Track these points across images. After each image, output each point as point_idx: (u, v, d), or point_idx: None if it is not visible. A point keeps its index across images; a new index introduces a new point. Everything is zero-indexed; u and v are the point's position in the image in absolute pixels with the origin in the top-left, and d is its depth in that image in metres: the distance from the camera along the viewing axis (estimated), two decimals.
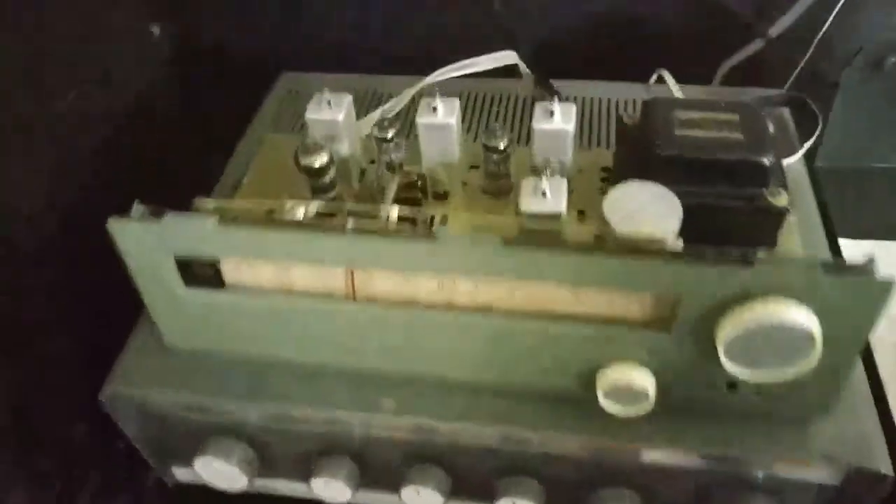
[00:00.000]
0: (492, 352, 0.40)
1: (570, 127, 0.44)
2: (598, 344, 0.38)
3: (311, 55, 0.67)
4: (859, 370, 0.42)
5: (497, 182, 0.48)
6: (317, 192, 0.45)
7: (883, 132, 0.62)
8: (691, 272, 0.34)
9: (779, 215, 0.42)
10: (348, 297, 0.39)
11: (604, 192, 0.48)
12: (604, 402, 0.39)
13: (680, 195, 0.41)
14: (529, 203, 0.40)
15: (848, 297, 0.33)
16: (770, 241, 0.44)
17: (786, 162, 0.54)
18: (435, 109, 0.45)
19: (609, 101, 0.62)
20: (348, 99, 0.47)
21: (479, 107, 0.62)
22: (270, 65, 0.67)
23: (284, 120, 0.61)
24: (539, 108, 0.45)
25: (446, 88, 0.61)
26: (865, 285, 0.33)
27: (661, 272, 0.34)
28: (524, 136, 0.59)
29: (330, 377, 0.43)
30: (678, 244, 0.39)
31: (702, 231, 0.42)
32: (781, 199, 0.42)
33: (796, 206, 0.50)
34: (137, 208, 0.38)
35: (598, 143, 0.57)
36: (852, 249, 0.58)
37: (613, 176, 0.46)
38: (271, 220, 0.37)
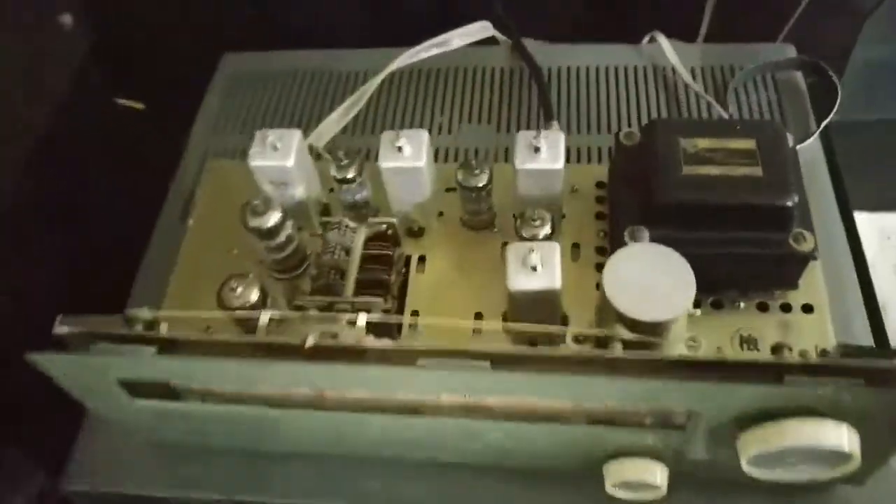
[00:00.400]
0: (482, 447, 0.35)
1: (559, 165, 0.38)
2: (604, 441, 0.34)
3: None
4: None
5: (478, 216, 0.42)
6: (272, 251, 0.39)
7: None
8: (711, 391, 0.29)
9: (803, 261, 0.37)
10: (317, 402, 0.34)
11: (600, 216, 0.42)
12: (611, 490, 0.35)
13: (690, 243, 0.36)
14: (518, 280, 0.34)
15: (891, 408, 0.29)
16: (791, 285, 0.39)
17: (800, 147, 0.48)
18: (400, 149, 0.38)
19: (598, 68, 0.55)
20: (297, 136, 0.40)
21: (451, 84, 0.54)
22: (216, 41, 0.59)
23: (230, 115, 0.54)
24: (522, 141, 0.38)
25: (415, 68, 0.54)
26: None
27: (677, 392, 0.29)
28: (504, 117, 0.52)
29: (306, 462, 0.39)
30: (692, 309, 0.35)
31: (715, 276, 0.37)
32: (807, 245, 0.36)
33: (812, 188, 0.45)
34: (61, 326, 0.32)
35: (588, 129, 0.51)
36: (868, 225, 0.54)
37: (611, 216, 0.40)
38: (221, 342, 0.31)
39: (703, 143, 0.38)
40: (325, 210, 0.43)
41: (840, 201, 0.50)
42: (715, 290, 0.39)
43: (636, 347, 0.32)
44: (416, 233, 0.42)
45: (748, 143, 0.37)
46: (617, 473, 0.34)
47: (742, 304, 0.39)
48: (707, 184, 0.36)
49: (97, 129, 0.59)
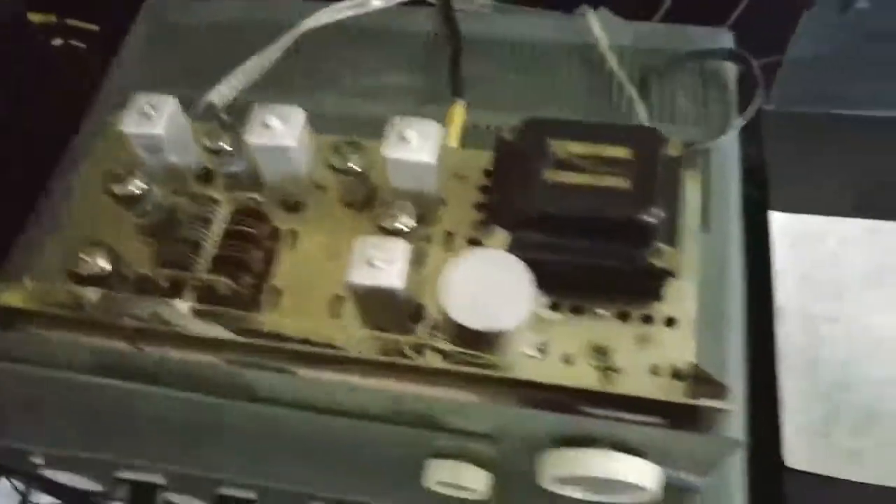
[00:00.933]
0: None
1: (430, 158, 0.37)
2: (424, 441, 0.34)
3: None
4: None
5: (356, 196, 0.41)
6: (137, 216, 0.39)
7: (843, 78, 0.54)
8: (515, 415, 0.29)
9: (661, 276, 0.36)
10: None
11: (479, 208, 0.42)
12: (430, 485, 0.35)
13: (549, 249, 0.36)
14: (357, 275, 0.34)
15: (692, 452, 0.29)
16: (652, 297, 0.38)
17: (711, 144, 0.47)
18: (269, 127, 0.38)
19: (526, 41, 0.53)
20: (171, 103, 0.39)
21: (372, 45, 0.53)
22: None
23: (148, 67, 0.53)
24: (393, 129, 0.37)
25: (340, 24, 0.53)
26: (709, 444, 0.28)
27: (476, 410, 0.29)
28: (421, 86, 0.50)
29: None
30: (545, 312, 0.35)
31: (574, 283, 0.37)
32: (666, 261, 0.36)
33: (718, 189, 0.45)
34: None
35: (504, 110, 0.49)
36: (784, 227, 0.52)
37: (486, 214, 0.39)
38: (48, 314, 0.32)
39: (576, 147, 0.37)
40: (207, 175, 0.43)
41: (753, 202, 0.50)
42: (575, 295, 0.38)
43: (462, 358, 0.32)
44: (292, 206, 0.41)
45: (623, 152, 0.36)
46: (434, 473, 0.34)
47: (603, 312, 0.38)
48: (565, 193, 0.35)
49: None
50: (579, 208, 0.35)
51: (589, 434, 0.29)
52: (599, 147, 0.36)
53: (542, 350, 0.37)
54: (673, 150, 0.38)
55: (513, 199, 0.36)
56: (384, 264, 0.34)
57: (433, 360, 0.31)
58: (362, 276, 0.34)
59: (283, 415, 0.34)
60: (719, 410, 0.28)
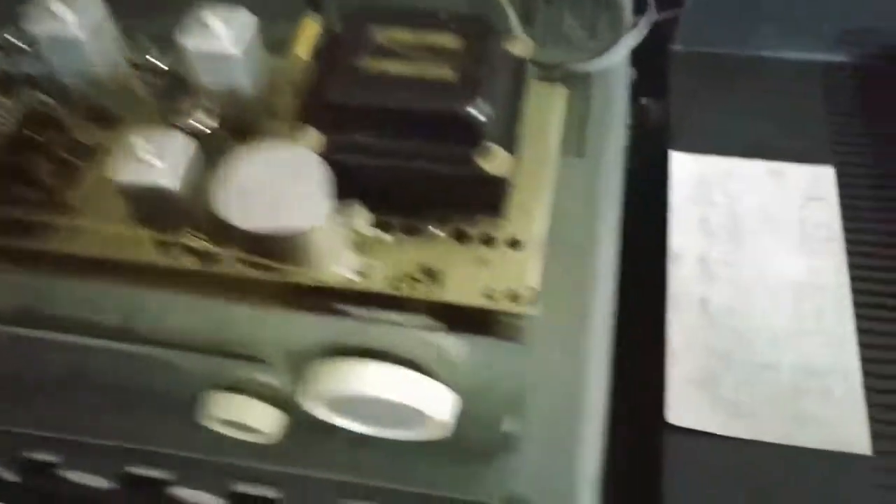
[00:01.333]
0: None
1: (235, 48, 0.32)
2: (196, 365, 0.29)
3: None
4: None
5: (172, 105, 0.36)
6: None
7: (749, 18, 0.49)
8: (271, 322, 0.24)
9: (496, 183, 0.31)
10: None
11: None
12: (216, 426, 0.30)
13: (367, 152, 0.31)
14: (123, 171, 0.29)
15: (480, 362, 0.24)
16: (493, 212, 0.33)
17: (591, 65, 0.42)
18: (52, 14, 0.33)
19: None
20: None
21: None
22: None
23: None
24: (194, 16, 0.32)
25: None
26: (492, 350, 0.23)
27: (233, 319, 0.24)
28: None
29: None
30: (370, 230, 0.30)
31: (403, 195, 0.32)
32: (499, 166, 0.31)
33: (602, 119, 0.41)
34: None
35: None
36: (685, 168, 0.48)
37: (300, 113, 0.34)
38: None
39: (402, 35, 0.32)
40: (4, 80, 0.37)
41: (657, 147, 0.46)
42: (406, 212, 0.33)
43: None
44: (104, 119, 0.36)
45: (454, 42, 0.31)
46: (211, 408, 0.29)
47: (438, 232, 0.33)
48: (381, 83, 0.30)
49: None
50: (395, 99, 0.30)
51: (356, 344, 0.24)
52: (429, 36, 0.31)
53: (364, 274, 0.32)
54: (516, 47, 0.33)
55: (324, 93, 0.31)
56: (155, 160, 0.28)
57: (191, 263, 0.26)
58: (126, 173, 0.28)
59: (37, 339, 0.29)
60: (518, 316, 0.23)
